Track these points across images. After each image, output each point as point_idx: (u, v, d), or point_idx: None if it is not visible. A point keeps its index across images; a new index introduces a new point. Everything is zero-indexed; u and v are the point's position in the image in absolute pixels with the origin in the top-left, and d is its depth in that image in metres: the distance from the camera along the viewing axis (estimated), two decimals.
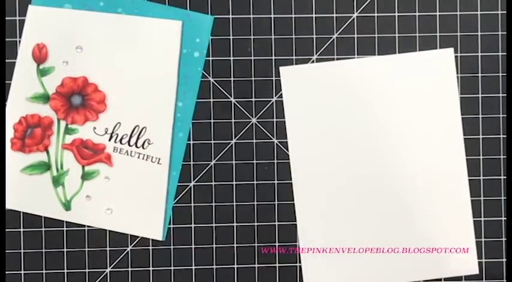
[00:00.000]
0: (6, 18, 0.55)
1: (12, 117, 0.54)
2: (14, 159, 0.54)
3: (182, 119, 0.54)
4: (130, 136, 0.54)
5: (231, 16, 0.55)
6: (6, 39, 0.55)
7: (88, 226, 0.54)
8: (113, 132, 0.54)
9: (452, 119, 0.54)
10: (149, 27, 0.54)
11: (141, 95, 0.54)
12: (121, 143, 0.54)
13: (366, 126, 0.54)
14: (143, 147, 0.54)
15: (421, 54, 0.54)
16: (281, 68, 0.54)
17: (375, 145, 0.54)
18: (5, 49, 0.54)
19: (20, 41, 0.54)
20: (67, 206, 0.54)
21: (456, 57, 0.55)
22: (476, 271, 0.55)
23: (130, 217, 0.54)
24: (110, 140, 0.54)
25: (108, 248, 0.55)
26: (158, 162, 0.54)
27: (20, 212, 0.54)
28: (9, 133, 0.54)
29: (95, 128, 0.54)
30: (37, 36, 0.54)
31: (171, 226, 0.55)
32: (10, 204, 0.54)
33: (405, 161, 0.54)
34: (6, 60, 0.55)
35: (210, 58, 0.55)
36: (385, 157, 0.54)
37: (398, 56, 0.54)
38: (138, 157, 0.54)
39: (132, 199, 0.54)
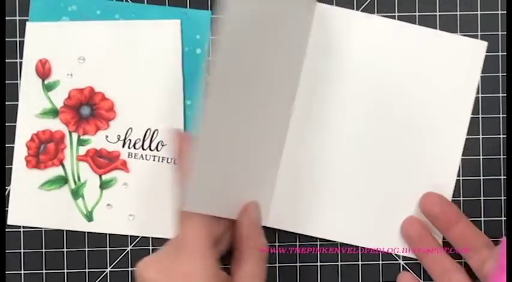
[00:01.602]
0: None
1: (23, 136, 0.54)
2: (31, 177, 0.54)
3: (192, 117, 0.55)
4: (143, 140, 0.54)
5: None
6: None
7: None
8: (125, 138, 0.55)
9: (462, 113, 0.54)
10: (148, 29, 0.54)
11: (149, 98, 0.54)
12: (135, 148, 0.55)
13: (375, 90, 0.54)
14: (157, 150, 0.54)
15: (454, 38, 0.54)
16: (318, 4, 0.54)
17: (376, 111, 0.54)
18: (5, 48, 0.54)
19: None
20: (89, 217, 0.55)
21: None
22: None
23: (153, 220, 0.54)
24: (123, 146, 0.55)
25: (108, 248, 0.55)
26: (174, 163, 0.54)
27: (42, 229, 0.55)
28: (23, 151, 0.54)
29: (107, 136, 0.55)
30: (38, 52, 0.54)
31: None
32: (32, 221, 0.55)
33: (403, 139, 0.54)
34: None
35: (210, 58, 0.55)
36: (383, 132, 0.54)
37: (430, 31, 0.54)
38: (154, 160, 0.54)
39: (152, 202, 0.54)
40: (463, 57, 0.54)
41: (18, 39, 0.55)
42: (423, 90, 0.54)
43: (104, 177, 0.55)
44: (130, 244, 0.55)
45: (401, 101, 0.54)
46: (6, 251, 0.54)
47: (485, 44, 0.54)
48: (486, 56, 0.54)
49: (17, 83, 0.55)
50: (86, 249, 0.55)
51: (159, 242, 0.55)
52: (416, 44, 0.54)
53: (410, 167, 0.54)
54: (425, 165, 0.54)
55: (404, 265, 0.55)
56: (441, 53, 0.54)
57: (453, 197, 0.54)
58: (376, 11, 0.55)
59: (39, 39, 0.54)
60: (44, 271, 0.55)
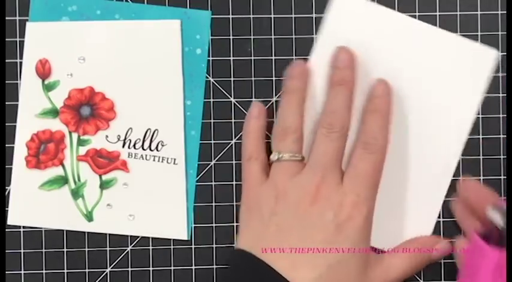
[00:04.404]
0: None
1: (23, 136, 0.54)
2: (31, 177, 0.54)
3: (192, 117, 0.55)
4: (143, 140, 0.55)
5: (231, 16, 0.55)
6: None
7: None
8: (125, 138, 0.55)
9: (466, 114, 0.54)
10: (148, 29, 0.54)
11: (149, 98, 0.54)
12: (135, 148, 0.55)
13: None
14: (157, 150, 0.55)
15: (465, 42, 0.54)
16: None
17: None
18: (5, 48, 0.54)
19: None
20: (89, 217, 0.55)
21: None
22: None
23: (153, 220, 0.55)
24: (123, 146, 0.55)
25: (108, 248, 0.55)
26: (174, 163, 0.54)
27: (42, 229, 0.55)
28: (23, 152, 0.54)
29: (107, 136, 0.55)
30: (39, 52, 0.54)
31: None
32: (32, 221, 0.55)
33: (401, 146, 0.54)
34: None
35: (210, 58, 0.55)
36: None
37: (442, 32, 0.54)
38: (154, 160, 0.54)
39: (152, 202, 0.54)
40: (472, 63, 0.54)
41: (18, 39, 0.55)
42: (429, 90, 0.54)
43: (104, 177, 0.55)
44: (130, 244, 0.55)
45: (409, 98, 0.54)
46: (6, 251, 0.54)
47: (495, 52, 0.54)
48: None
49: (17, 83, 0.55)
50: (86, 249, 0.55)
51: (159, 242, 0.55)
52: (429, 45, 0.54)
53: (408, 167, 0.54)
54: (424, 164, 0.54)
55: None
56: (450, 56, 0.54)
57: (453, 197, 0.54)
58: None
59: (39, 39, 0.54)
60: (44, 271, 0.55)
